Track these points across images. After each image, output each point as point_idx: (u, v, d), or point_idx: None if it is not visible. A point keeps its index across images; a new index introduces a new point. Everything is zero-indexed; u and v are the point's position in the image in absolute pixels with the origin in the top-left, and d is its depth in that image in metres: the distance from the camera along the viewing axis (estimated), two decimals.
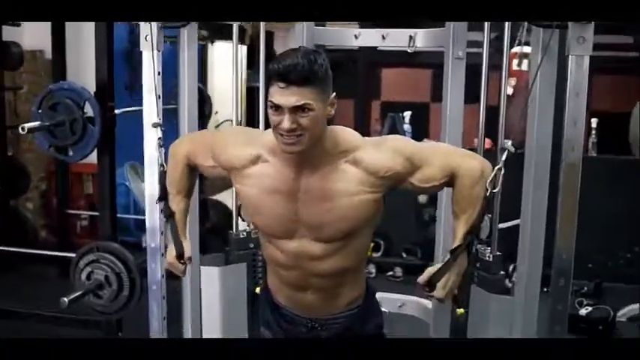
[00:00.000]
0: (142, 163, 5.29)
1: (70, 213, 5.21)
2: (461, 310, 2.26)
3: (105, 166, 3.49)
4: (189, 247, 2.08)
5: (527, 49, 4.25)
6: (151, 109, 2.42)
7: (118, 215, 5.50)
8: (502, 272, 2.41)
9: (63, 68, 4.56)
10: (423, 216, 5.08)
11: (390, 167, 1.79)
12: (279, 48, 10.13)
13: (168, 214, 2.08)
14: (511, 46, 4.46)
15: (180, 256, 2.05)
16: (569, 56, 2.09)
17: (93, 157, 5.60)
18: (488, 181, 1.85)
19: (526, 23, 2.64)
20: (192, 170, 2.07)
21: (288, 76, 1.64)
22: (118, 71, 4.09)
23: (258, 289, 2.66)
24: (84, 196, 5.91)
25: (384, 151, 1.81)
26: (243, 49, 6.36)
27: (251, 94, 7.16)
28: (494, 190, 1.87)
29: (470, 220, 1.84)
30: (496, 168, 1.91)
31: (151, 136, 2.42)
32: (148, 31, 2.34)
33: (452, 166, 1.84)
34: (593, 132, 5.29)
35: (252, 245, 2.76)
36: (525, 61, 4.90)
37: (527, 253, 2.41)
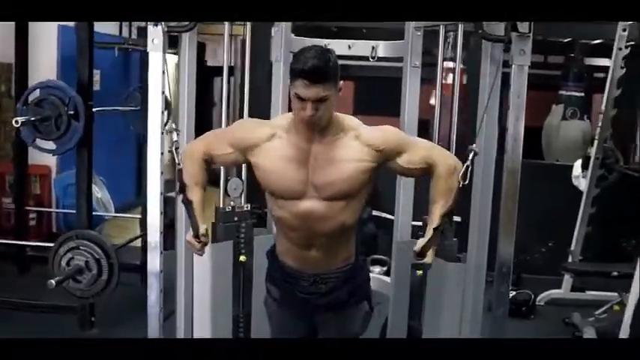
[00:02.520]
0: (97, 168, 5.50)
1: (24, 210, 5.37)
2: (420, 272, 2.79)
3: (84, 159, 3.74)
4: (204, 227, 2.36)
5: (450, 64, 4.80)
6: (156, 109, 2.74)
7: (70, 211, 5.72)
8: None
9: (25, 71, 4.75)
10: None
11: (382, 143, 2.25)
12: (209, 58, 10.44)
13: (187, 203, 2.37)
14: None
15: (197, 235, 2.33)
16: (512, 65, 2.59)
17: (42, 159, 5.83)
18: (460, 175, 2.31)
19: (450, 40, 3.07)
20: (207, 164, 2.41)
21: (310, 76, 2.08)
22: (71, 74, 4.30)
23: (242, 258, 3.07)
24: (32, 196, 6.05)
25: (381, 131, 2.28)
26: (174, 58, 6.64)
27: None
28: (465, 183, 2.31)
29: (446, 205, 2.30)
30: (465, 165, 2.34)
31: (156, 136, 2.76)
32: (156, 35, 2.66)
33: (432, 158, 2.31)
34: None
35: (236, 218, 3.10)
36: (450, 75, 5.45)
37: (476, 235, 2.85)
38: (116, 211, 6.37)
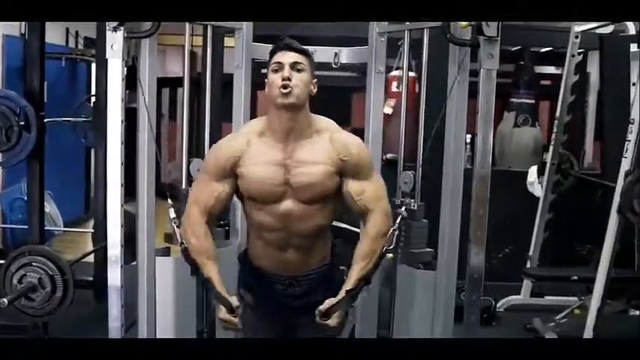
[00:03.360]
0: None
1: None
2: (391, 255, 2.71)
3: (35, 172, 3.58)
4: (235, 299, 2.27)
5: (397, 73, 4.82)
6: (116, 118, 2.61)
7: (16, 227, 5.52)
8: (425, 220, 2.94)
9: None
10: None
11: (347, 154, 2.24)
12: (170, 66, 10.29)
13: (206, 282, 2.27)
14: (390, 70, 5.03)
15: (231, 310, 2.24)
16: (481, 70, 2.57)
17: None
18: (387, 239, 2.28)
19: (405, 50, 3.07)
20: (210, 226, 2.33)
21: (289, 45, 2.20)
22: (16, 86, 4.15)
23: None
24: None
25: (352, 143, 2.28)
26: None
27: (131, 115, 7.27)
28: (389, 248, 2.30)
29: (365, 269, 2.27)
30: (391, 229, 2.31)
31: (116, 146, 2.63)
32: (115, 40, 2.55)
33: (373, 207, 2.28)
34: (468, 147, 5.90)
35: None
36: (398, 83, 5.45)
37: (446, 242, 2.83)
38: (65, 226, 6.18)
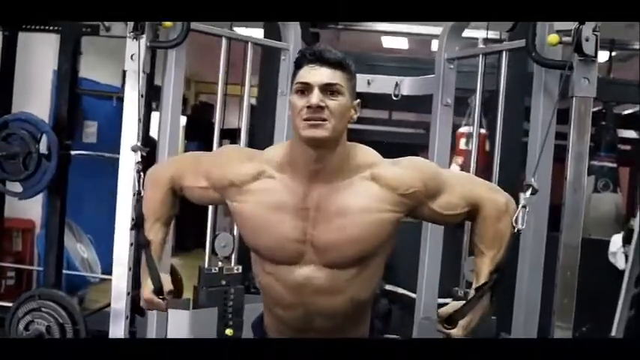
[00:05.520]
0: (76, 220, 5.00)
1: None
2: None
3: (55, 206, 3.24)
4: (169, 280, 1.83)
5: (466, 130, 4.40)
6: (130, 130, 2.25)
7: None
8: None
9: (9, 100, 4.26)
10: None
11: (410, 184, 1.67)
12: (229, 118, 10.08)
13: (144, 244, 1.83)
14: (457, 127, 4.61)
15: (159, 291, 1.79)
16: (573, 98, 2.09)
17: (25, 213, 5.35)
18: (514, 217, 1.75)
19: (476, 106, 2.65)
20: (175, 195, 1.87)
21: (321, 56, 1.60)
22: None
23: (229, 331, 2.51)
24: (13, 252, 5.53)
25: (405, 168, 1.70)
26: (182, 120, 6.25)
27: None
28: (520, 228, 1.75)
29: (496, 257, 1.73)
30: (520, 205, 1.79)
31: (128, 176, 2.25)
32: (135, 49, 2.19)
33: (476, 196, 1.74)
34: None
35: (224, 282, 2.60)
36: (466, 140, 5.04)
37: (522, 313, 2.47)
38: (109, 274, 5.84)
